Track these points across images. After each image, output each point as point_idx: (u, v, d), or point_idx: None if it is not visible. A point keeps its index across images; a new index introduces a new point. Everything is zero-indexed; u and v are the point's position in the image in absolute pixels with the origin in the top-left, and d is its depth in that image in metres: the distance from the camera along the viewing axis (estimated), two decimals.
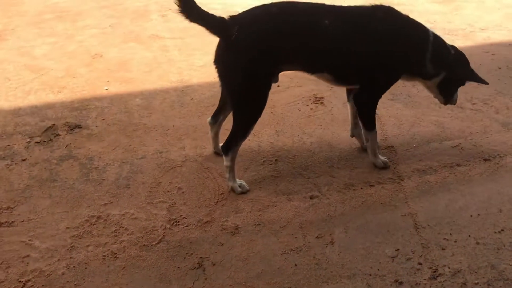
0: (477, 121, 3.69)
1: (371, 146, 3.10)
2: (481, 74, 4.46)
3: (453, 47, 3.08)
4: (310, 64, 2.86)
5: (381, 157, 3.14)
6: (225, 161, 2.89)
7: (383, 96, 3.76)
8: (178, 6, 2.64)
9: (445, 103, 3.23)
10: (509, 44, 5.21)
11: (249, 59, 2.66)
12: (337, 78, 2.93)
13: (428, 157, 3.24)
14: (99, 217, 2.72)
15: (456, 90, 3.18)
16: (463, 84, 3.19)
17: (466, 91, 4.11)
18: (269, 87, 2.77)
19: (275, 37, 2.66)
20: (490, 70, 4.51)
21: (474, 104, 3.94)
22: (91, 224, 2.68)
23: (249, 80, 2.70)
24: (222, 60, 2.74)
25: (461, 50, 3.11)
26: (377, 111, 3.69)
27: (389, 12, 2.89)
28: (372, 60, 2.83)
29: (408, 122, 3.65)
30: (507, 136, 3.48)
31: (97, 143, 3.35)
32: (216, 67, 2.81)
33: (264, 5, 2.79)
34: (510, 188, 2.93)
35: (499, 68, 4.59)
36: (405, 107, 3.85)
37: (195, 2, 2.69)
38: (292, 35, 2.69)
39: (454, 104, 3.30)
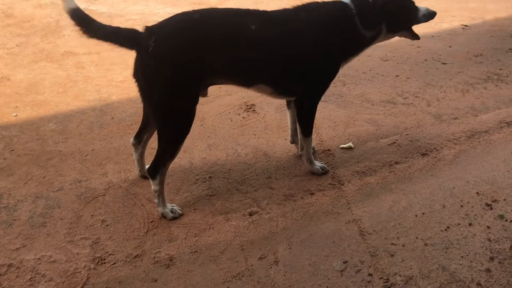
0: (410, 116, 3.64)
1: (306, 154, 2.94)
2: (408, 66, 4.49)
3: None
4: (243, 76, 2.65)
5: (318, 163, 2.99)
6: (153, 185, 2.61)
7: None
8: (78, 27, 2.37)
9: (413, 37, 3.00)
10: (432, 36, 5.29)
11: (169, 72, 2.40)
12: (277, 89, 2.73)
13: (366, 158, 3.13)
14: (10, 265, 2.36)
15: (415, 14, 2.90)
16: (415, 8, 2.90)
17: (396, 86, 4.10)
18: (195, 101, 2.52)
19: (197, 46, 2.42)
20: (417, 63, 4.54)
21: (405, 98, 3.90)
22: (1, 275, 2.32)
23: (171, 94, 2.44)
24: (141, 74, 2.48)
25: None
26: None
27: (307, 8, 2.71)
28: (307, 62, 2.65)
29: (342, 123, 3.53)
30: (441, 128, 3.45)
31: (5, 178, 2.96)
32: (136, 81, 2.55)
33: (184, 13, 2.54)
34: (450, 181, 2.87)
35: (425, 60, 4.62)
36: (338, 108, 3.74)
37: (93, 20, 2.41)
38: (217, 43, 2.46)
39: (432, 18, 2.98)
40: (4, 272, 2.33)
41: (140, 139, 2.85)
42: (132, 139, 2.87)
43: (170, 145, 2.55)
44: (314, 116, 2.89)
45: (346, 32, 2.74)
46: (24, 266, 2.36)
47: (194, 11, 2.53)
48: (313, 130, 3.33)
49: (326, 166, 2.99)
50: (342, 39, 2.73)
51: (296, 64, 2.65)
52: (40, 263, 2.38)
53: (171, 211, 2.63)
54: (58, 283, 2.27)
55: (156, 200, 2.63)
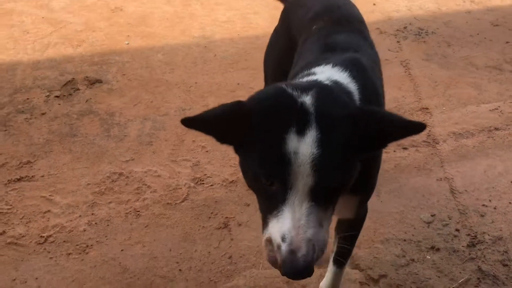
0: None
1: None
2: None
3: None
4: None
5: None
6: None
7: (417, 56, 3.70)
8: None
9: None
10: None
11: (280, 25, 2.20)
12: None
13: (464, 120, 3.06)
14: (121, 174, 2.63)
15: None
16: None
17: (505, 52, 3.89)
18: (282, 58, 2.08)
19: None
20: None
21: None
22: (112, 181, 2.59)
23: (271, 42, 2.25)
24: None
25: None
26: (410, 71, 3.54)
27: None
28: None
29: (443, 84, 3.45)
30: None
31: (118, 99, 3.22)
32: None
33: None
34: None
35: None
36: (441, 68, 3.64)
37: None
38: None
39: None
40: (116, 179, 2.60)
41: None
42: None
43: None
44: None
45: None
46: (133, 176, 2.62)
47: None
48: (412, 87, 3.32)
49: None
50: None
51: None
52: (146, 176, 2.62)
53: None
54: (161, 195, 2.50)
55: None
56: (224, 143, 1.32)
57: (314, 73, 1.43)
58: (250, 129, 1.20)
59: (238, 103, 1.25)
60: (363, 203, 1.66)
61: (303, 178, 1.12)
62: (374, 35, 3.93)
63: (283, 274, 1.15)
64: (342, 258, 1.84)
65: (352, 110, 1.21)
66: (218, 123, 1.27)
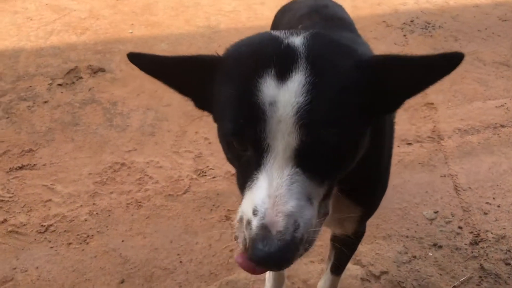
0: None
1: None
2: None
3: None
4: None
5: None
6: None
7: (423, 50, 3.67)
8: None
9: None
10: None
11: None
12: None
13: (470, 117, 3.03)
14: (123, 164, 2.62)
15: None
16: None
17: None
18: None
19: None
20: None
21: None
22: (114, 171, 2.58)
23: None
24: None
25: None
26: None
27: None
28: None
29: (449, 79, 3.38)
30: None
31: (121, 88, 3.20)
32: None
33: None
34: None
35: None
36: None
37: None
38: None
39: None
40: (118, 169, 2.59)
41: None
42: None
43: None
44: None
45: None
46: (135, 167, 2.61)
47: None
48: None
49: None
50: None
51: None
52: (148, 167, 2.61)
53: None
54: (163, 186, 2.49)
55: None
56: (199, 106, 1.09)
57: None
58: (223, 82, 0.95)
59: (212, 55, 1.02)
60: (364, 219, 1.48)
61: (284, 137, 0.85)
62: (380, 29, 3.93)
63: (249, 259, 0.85)
64: (339, 265, 1.79)
65: (360, 56, 0.93)
66: (182, 70, 1.04)
